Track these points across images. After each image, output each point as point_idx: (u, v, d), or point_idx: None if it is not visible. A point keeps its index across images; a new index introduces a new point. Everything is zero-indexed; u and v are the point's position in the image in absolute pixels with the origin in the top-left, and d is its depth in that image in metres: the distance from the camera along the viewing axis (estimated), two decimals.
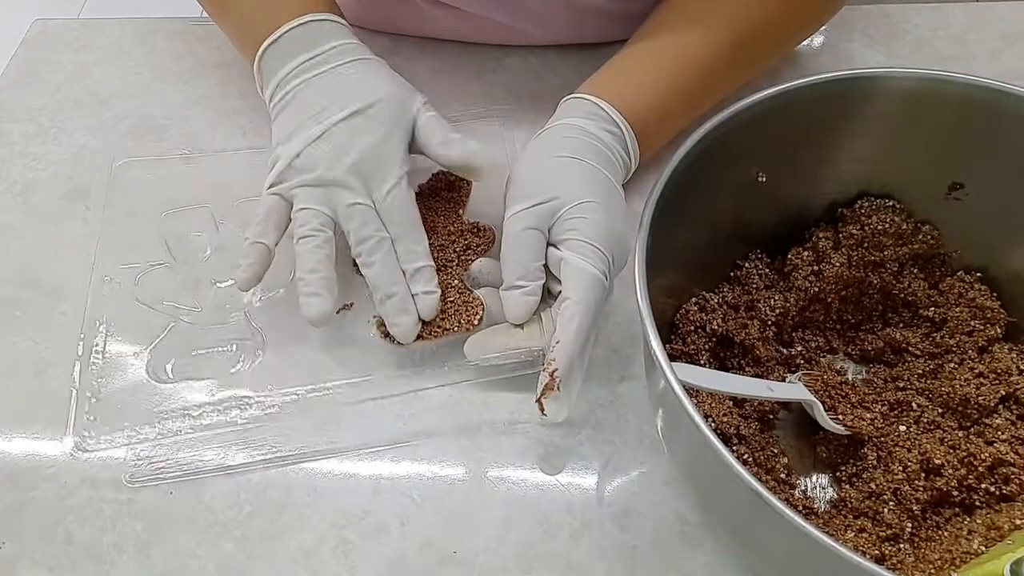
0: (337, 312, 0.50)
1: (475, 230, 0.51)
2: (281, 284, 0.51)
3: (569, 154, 0.48)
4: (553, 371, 0.43)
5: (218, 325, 0.50)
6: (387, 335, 0.47)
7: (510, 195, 0.48)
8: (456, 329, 0.47)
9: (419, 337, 0.47)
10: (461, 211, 0.52)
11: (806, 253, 0.50)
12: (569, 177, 0.47)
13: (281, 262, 0.52)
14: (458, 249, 0.50)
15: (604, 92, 0.51)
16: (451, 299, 0.48)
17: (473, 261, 0.50)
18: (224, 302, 0.51)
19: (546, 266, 0.46)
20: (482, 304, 0.47)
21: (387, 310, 0.46)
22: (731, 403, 0.45)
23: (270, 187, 0.48)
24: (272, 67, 0.51)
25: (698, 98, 0.54)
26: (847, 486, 0.44)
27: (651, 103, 0.52)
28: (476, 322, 0.47)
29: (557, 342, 0.43)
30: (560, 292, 0.45)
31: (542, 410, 0.43)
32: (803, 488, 0.45)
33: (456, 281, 0.49)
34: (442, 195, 0.53)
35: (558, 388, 0.42)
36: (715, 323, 0.47)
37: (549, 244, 0.47)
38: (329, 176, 0.47)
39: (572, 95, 0.53)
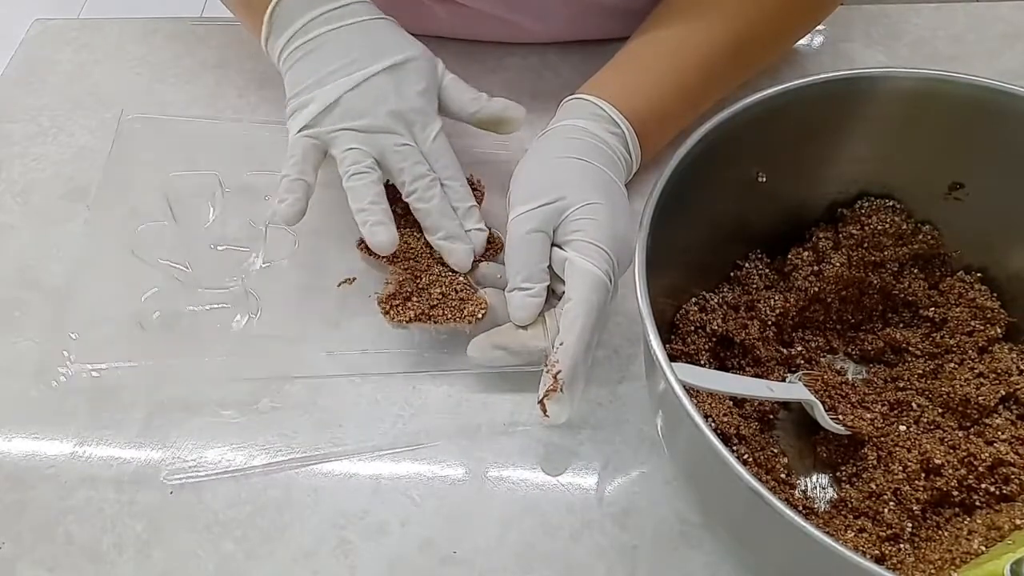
0: (338, 286, 0.51)
1: None
2: (285, 254, 0.52)
3: (573, 155, 0.48)
4: (556, 373, 0.43)
5: (215, 289, 0.50)
6: (388, 312, 0.47)
7: (514, 196, 0.48)
8: (457, 320, 0.47)
9: (418, 320, 0.47)
10: None
11: (806, 253, 0.50)
12: (574, 178, 0.47)
13: (286, 232, 0.52)
14: None
15: (605, 92, 0.51)
16: (455, 294, 0.48)
17: (480, 264, 0.50)
18: (222, 265, 0.51)
19: (551, 266, 0.46)
20: (486, 303, 0.47)
21: (446, 244, 0.48)
22: (731, 403, 0.45)
23: (302, 130, 0.49)
24: (288, 16, 0.51)
25: (698, 97, 0.55)
26: (847, 486, 0.44)
27: (652, 103, 0.52)
28: (480, 316, 0.47)
29: (561, 344, 0.43)
30: (564, 292, 0.45)
31: (544, 412, 0.43)
32: (803, 488, 0.45)
33: (461, 278, 0.49)
34: None
35: (561, 390, 0.42)
36: (715, 323, 0.47)
37: (554, 245, 0.47)
38: (375, 123, 0.48)
39: (573, 96, 0.53)
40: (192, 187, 0.54)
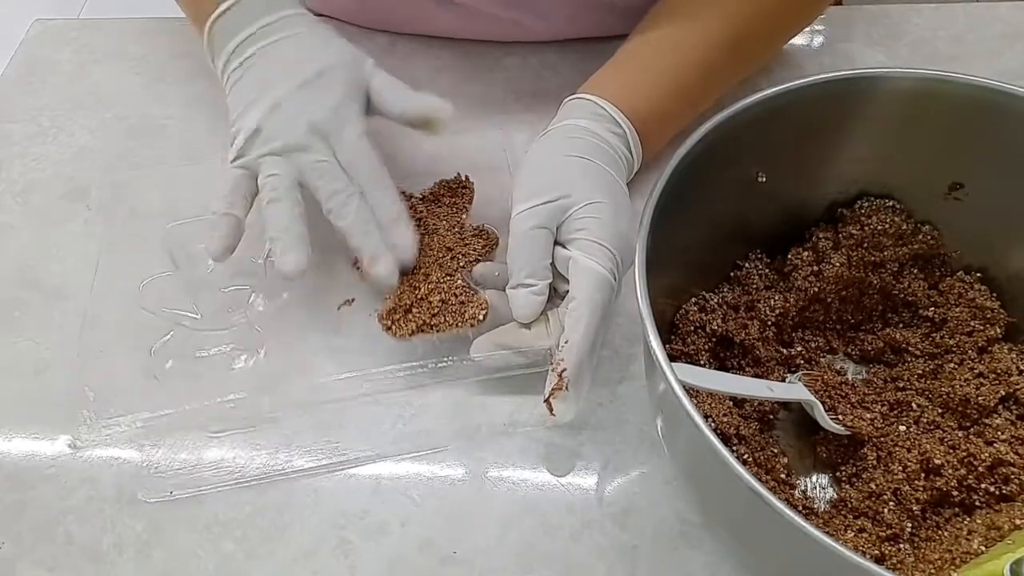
0: (338, 308, 0.51)
1: (479, 233, 0.51)
2: (285, 288, 0.51)
3: (577, 154, 0.48)
4: (561, 371, 0.43)
5: (220, 330, 0.50)
6: (389, 328, 0.47)
7: (517, 193, 0.48)
8: (459, 325, 0.47)
9: (420, 331, 0.47)
10: (464, 216, 0.52)
11: (806, 253, 0.50)
12: (577, 177, 0.47)
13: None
14: (462, 252, 0.50)
15: (606, 92, 0.51)
16: (455, 298, 0.48)
17: (477, 264, 0.50)
18: (226, 307, 0.51)
19: (553, 265, 0.46)
20: (486, 303, 0.47)
21: (366, 260, 0.47)
22: (731, 403, 0.45)
23: (234, 161, 0.49)
24: (221, 39, 0.50)
25: (698, 95, 0.55)
26: (847, 486, 0.44)
27: (652, 103, 0.52)
28: (481, 318, 0.47)
29: (566, 342, 0.43)
30: (567, 292, 0.45)
31: (551, 410, 0.43)
32: (803, 488, 0.45)
33: (460, 282, 0.48)
34: (444, 201, 0.53)
35: (566, 388, 0.42)
36: (715, 323, 0.47)
37: (556, 243, 0.47)
38: (291, 142, 0.48)
39: (574, 96, 0.53)
40: (191, 234, 0.53)
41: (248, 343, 0.49)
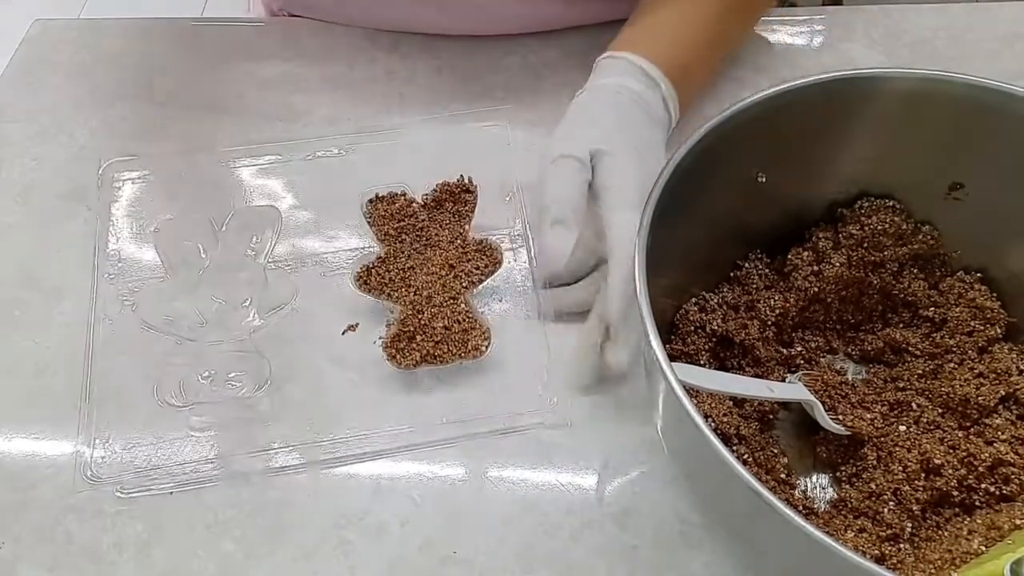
0: (342, 333, 0.50)
1: (482, 249, 0.50)
2: (284, 301, 0.50)
3: (616, 110, 0.49)
4: (606, 324, 0.44)
5: (220, 344, 0.48)
6: (394, 357, 0.47)
7: (557, 141, 0.48)
8: (462, 356, 0.47)
9: (424, 362, 0.47)
10: (467, 226, 0.51)
11: (806, 253, 0.49)
12: (615, 131, 0.48)
13: (281, 281, 0.51)
14: (465, 271, 0.49)
15: (640, 49, 0.52)
16: (458, 325, 0.47)
17: (479, 283, 0.49)
18: (224, 319, 0.49)
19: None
20: (489, 331, 0.47)
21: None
22: (731, 403, 0.45)
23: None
24: None
25: (717, 47, 0.56)
26: (847, 486, 0.44)
27: (683, 58, 0.53)
28: (484, 350, 0.47)
29: (604, 293, 0.44)
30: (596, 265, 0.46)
31: (608, 364, 0.44)
32: (803, 488, 0.45)
33: (463, 306, 0.48)
34: (447, 206, 0.52)
35: (614, 337, 0.44)
36: (715, 323, 0.47)
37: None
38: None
39: (608, 55, 0.53)
40: (183, 233, 0.52)
41: (252, 371, 0.48)
